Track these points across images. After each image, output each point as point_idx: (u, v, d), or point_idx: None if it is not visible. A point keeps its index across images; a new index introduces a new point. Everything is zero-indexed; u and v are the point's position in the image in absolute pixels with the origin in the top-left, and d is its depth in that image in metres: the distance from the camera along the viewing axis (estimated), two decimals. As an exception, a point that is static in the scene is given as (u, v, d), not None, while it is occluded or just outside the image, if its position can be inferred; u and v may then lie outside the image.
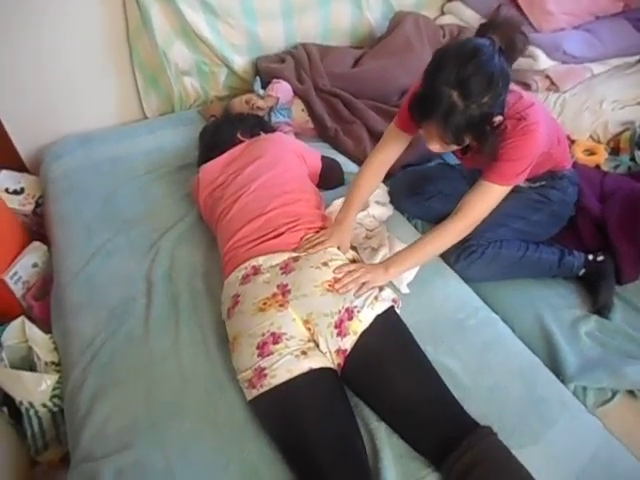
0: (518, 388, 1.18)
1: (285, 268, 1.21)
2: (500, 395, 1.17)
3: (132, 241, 1.61)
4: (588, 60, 2.09)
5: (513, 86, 1.18)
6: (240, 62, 2.20)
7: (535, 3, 2.08)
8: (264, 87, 2.08)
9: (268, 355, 1.08)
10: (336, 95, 2.08)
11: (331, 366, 1.12)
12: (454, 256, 1.46)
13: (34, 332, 1.41)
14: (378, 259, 1.45)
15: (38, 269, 1.69)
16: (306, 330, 1.13)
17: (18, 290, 1.62)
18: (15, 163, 2.05)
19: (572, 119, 2.00)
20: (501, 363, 1.23)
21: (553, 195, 1.47)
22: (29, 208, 1.91)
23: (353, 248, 1.46)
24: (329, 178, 1.69)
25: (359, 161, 1.92)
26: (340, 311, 1.12)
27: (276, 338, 1.10)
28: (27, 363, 1.38)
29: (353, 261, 1.32)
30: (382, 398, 1.11)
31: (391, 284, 1.40)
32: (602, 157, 1.91)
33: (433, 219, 1.64)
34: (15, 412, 1.32)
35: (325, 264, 1.20)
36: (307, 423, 1.04)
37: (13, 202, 1.87)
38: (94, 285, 1.47)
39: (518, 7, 2.14)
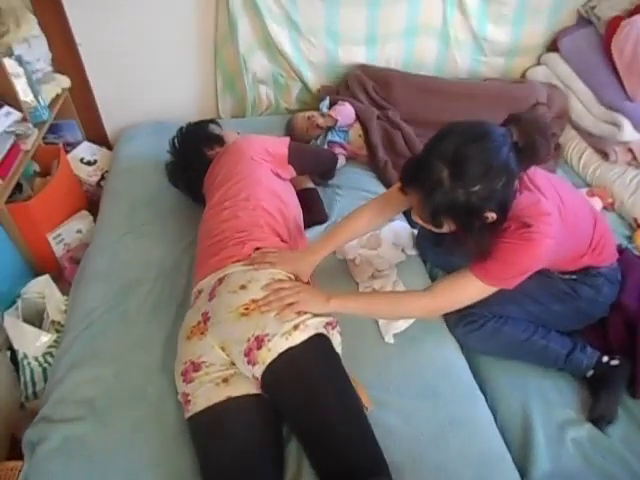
0: (469, 476, 1.09)
1: (212, 293, 1.19)
2: (445, 478, 1.09)
3: (166, 230, 1.70)
4: (680, 141, 1.88)
5: (534, 190, 1.09)
6: (315, 80, 2.26)
7: (634, 71, 1.90)
8: (331, 107, 2.11)
9: (190, 382, 1.11)
10: (398, 128, 2.06)
11: (257, 391, 1.10)
12: (454, 320, 1.37)
13: (53, 291, 1.56)
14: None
15: (81, 235, 1.85)
16: (226, 356, 1.12)
17: (59, 251, 1.79)
18: (100, 138, 2.27)
19: (645, 201, 1.80)
20: (462, 443, 1.15)
21: (584, 291, 1.30)
22: (95, 179, 2.09)
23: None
24: (304, 165, 1.63)
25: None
26: (249, 339, 1.06)
27: (196, 366, 1.12)
28: (39, 318, 1.53)
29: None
30: (295, 425, 1.09)
31: (377, 330, 1.36)
32: (668, 250, 1.69)
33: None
34: (16, 358, 1.47)
35: (243, 287, 1.14)
36: (220, 453, 1.05)
37: (82, 171, 2.07)
38: (115, 261, 1.58)
39: (615, 70, 1.97)
